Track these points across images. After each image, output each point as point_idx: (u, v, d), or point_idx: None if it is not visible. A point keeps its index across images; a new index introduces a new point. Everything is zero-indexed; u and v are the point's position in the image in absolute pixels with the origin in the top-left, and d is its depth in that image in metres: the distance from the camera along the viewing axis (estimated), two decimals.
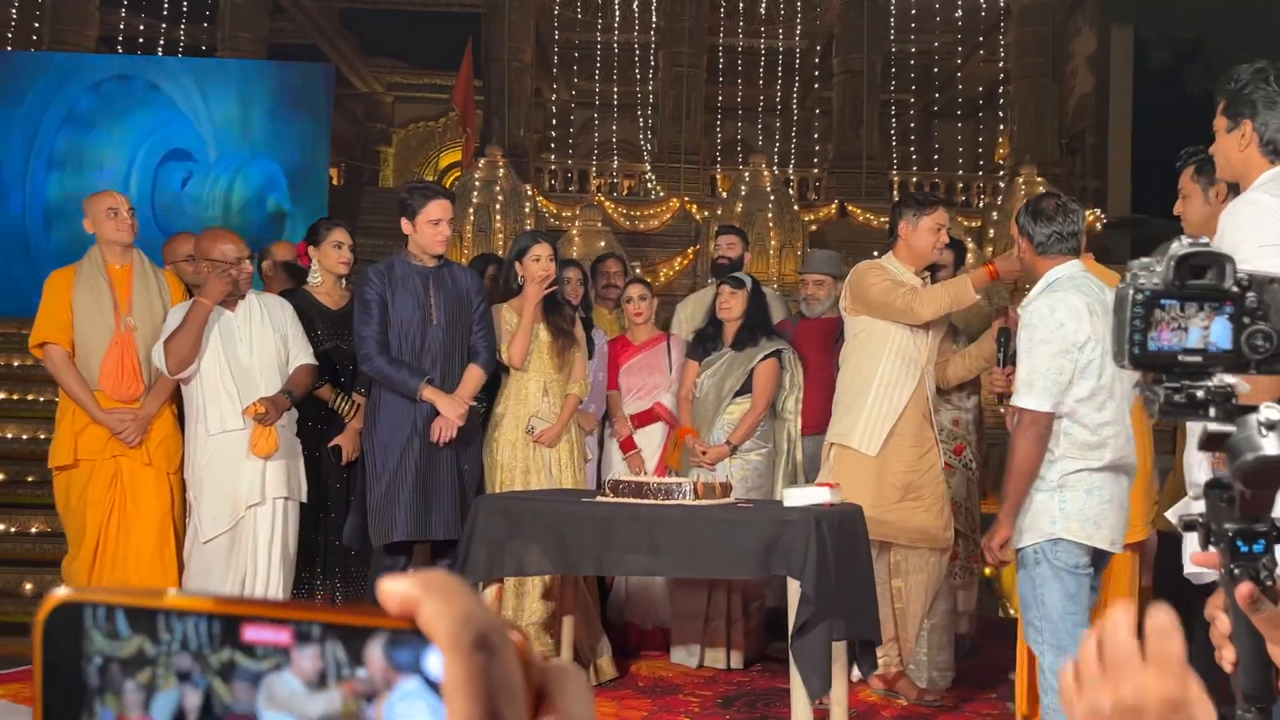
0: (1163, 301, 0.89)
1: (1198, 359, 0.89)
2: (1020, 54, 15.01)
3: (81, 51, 12.72)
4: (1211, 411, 0.88)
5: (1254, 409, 0.85)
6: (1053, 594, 2.74)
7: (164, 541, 3.89)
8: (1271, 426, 0.83)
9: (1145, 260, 0.91)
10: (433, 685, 0.31)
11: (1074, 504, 2.74)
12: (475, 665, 0.31)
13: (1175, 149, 3.30)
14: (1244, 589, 0.82)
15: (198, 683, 0.33)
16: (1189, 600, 3.09)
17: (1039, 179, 11.27)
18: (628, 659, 4.39)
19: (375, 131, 19.19)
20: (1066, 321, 2.72)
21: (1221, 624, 0.89)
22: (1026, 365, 2.71)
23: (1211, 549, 0.89)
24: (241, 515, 3.76)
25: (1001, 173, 14.80)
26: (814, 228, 13.27)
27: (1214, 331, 0.89)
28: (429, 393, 3.82)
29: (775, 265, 12.46)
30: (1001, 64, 15.77)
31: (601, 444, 4.88)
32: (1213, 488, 0.88)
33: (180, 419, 4.05)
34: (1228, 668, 0.89)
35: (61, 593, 0.35)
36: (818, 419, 4.57)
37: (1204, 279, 0.89)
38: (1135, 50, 14.12)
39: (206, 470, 3.76)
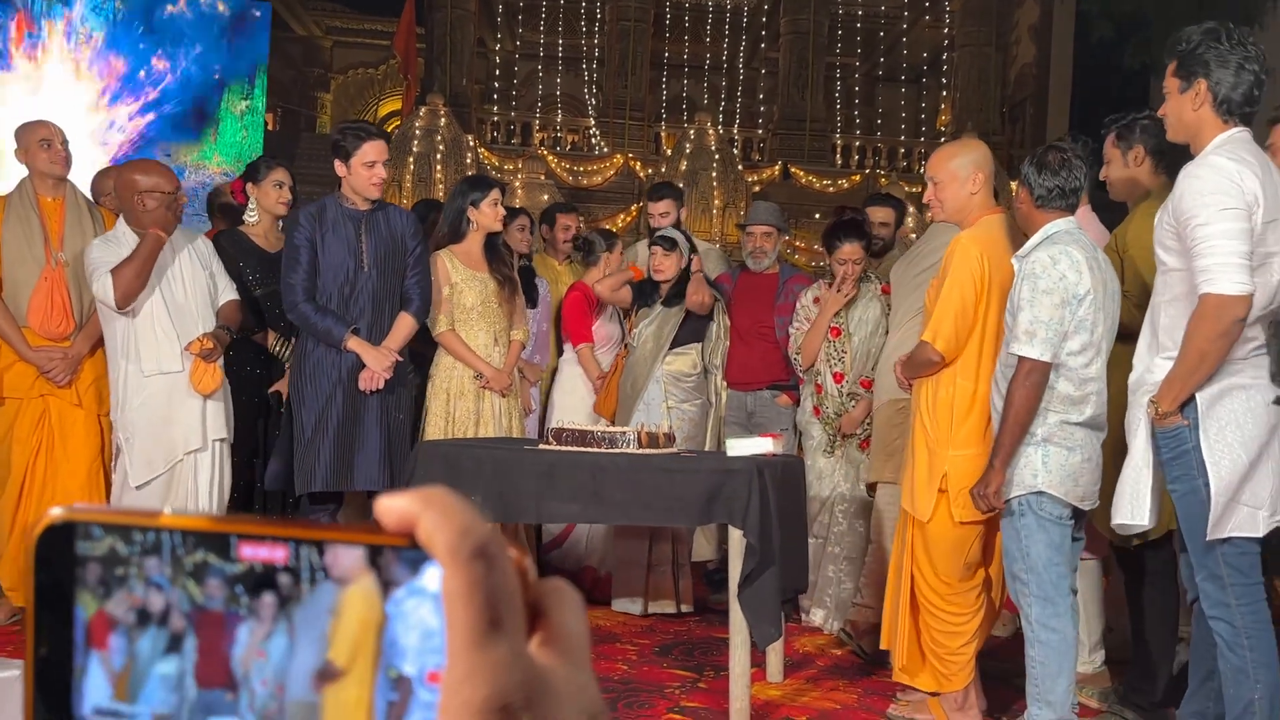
0: None
1: None
2: (965, 21, 15.13)
3: None
4: None
5: None
6: (1038, 545, 2.77)
7: (93, 484, 3.79)
8: None
9: None
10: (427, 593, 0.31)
11: (1056, 459, 2.75)
12: (474, 574, 0.31)
13: None
14: None
15: (167, 582, 0.33)
16: (1139, 556, 3.19)
17: (977, 141, 11.39)
18: None
19: (313, 77, 18.73)
20: (1068, 273, 2.71)
21: None
22: (1029, 314, 2.69)
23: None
24: (179, 459, 3.66)
25: (943, 139, 14.94)
26: (757, 188, 13.29)
27: None
28: (354, 343, 3.73)
29: (719, 224, 12.46)
30: (946, 31, 15.88)
31: (547, 395, 4.86)
32: None
33: None
34: None
35: (56, 512, 0.33)
36: (759, 375, 4.60)
37: None
38: (1076, 22, 14.31)
39: (140, 412, 3.62)
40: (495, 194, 4.15)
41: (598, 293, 4.61)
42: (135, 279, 3.54)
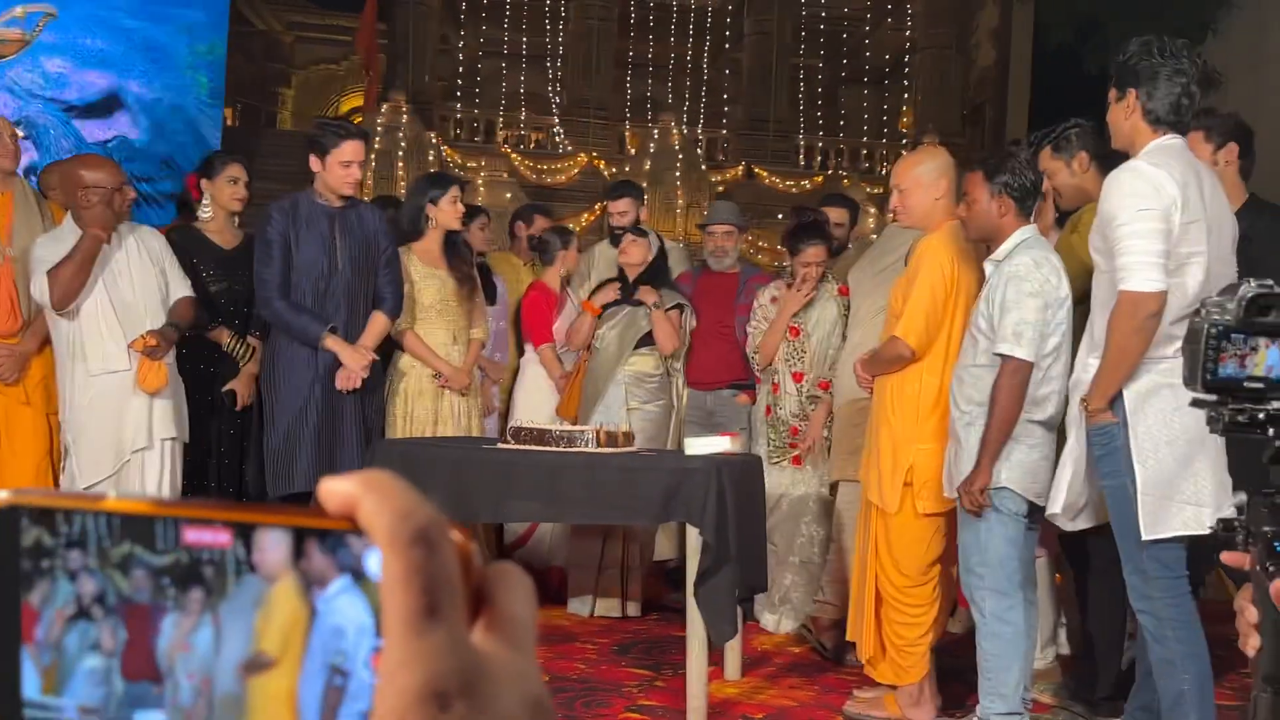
0: (1232, 335, 1.05)
1: (1259, 385, 1.04)
2: (927, 24, 15.26)
3: None
4: (1270, 431, 1.04)
5: None
6: (996, 540, 2.84)
7: (39, 483, 3.72)
8: None
9: (1216, 299, 1.07)
10: (361, 582, 0.31)
11: (1018, 456, 2.83)
12: (413, 560, 0.30)
13: None
14: (1278, 585, 0.94)
15: (93, 574, 0.33)
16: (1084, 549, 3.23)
17: (941, 148, 11.51)
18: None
19: (274, 72, 18.52)
20: (1050, 277, 2.82)
21: (1250, 615, 0.99)
22: (1015, 315, 2.77)
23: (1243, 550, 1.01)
24: (127, 459, 3.59)
25: (905, 140, 15.06)
26: (721, 188, 13.33)
27: (1271, 362, 1.05)
28: (332, 342, 3.70)
29: (682, 223, 12.48)
30: (908, 34, 16.00)
31: (510, 395, 4.84)
32: (1255, 494, 1.01)
33: None
34: (1250, 652, 1.00)
35: (2, 496, 0.33)
36: (718, 374, 4.61)
37: (1269, 317, 1.04)
38: (1035, 26, 14.47)
39: (88, 413, 3.55)
40: (455, 191, 4.13)
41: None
42: (72, 280, 3.47)
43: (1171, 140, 2.62)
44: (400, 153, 11.93)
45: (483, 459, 3.28)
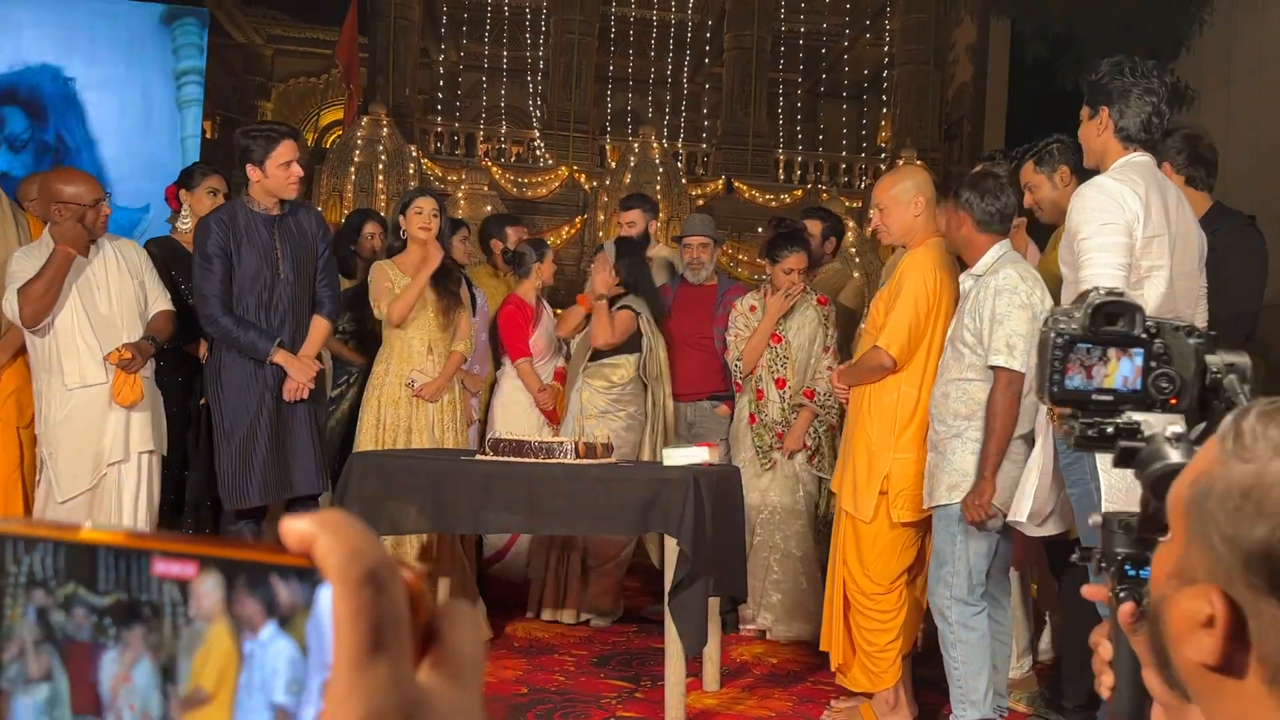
0: (1078, 345, 0.98)
1: (1108, 398, 0.98)
2: (905, 40, 15.38)
3: None
4: (1120, 445, 0.96)
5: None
6: (969, 550, 2.88)
7: (8, 497, 3.68)
8: (1177, 440, 0.90)
9: (1065, 307, 1.00)
10: (285, 627, 0.33)
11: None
12: (362, 599, 0.32)
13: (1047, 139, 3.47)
14: (1126, 608, 0.86)
15: (38, 612, 0.34)
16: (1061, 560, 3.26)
17: (919, 163, 11.60)
18: (507, 619, 4.39)
19: (253, 85, 18.48)
20: (1035, 289, 2.90)
21: (1104, 650, 0.92)
22: (1006, 328, 2.82)
23: (1100, 580, 0.95)
24: (104, 473, 3.57)
25: (883, 155, 15.17)
26: (701, 202, 13.38)
27: (1123, 373, 0.98)
28: (280, 356, 3.66)
29: (663, 236, 12.52)
30: (886, 49, 16.14)
31: (487, 406, 4.84)
32: (1108, 518, 0.95)
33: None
34: (1105, 693, 0.92)
35: None
36: (698, 386, 4.63)
37: (1117, 325, 0.98)
38: (1012, 42, 14.62)
39: (64, 426, 3.53)
40: (420, 201, 4.15)
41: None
42: (42, 296, 3.45)
43: (1140, 157, 2.69)
44: (380, 166, 11.91)
45: (461, 470, 3.29)
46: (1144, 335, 0.98)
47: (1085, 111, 2.76)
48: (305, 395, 3.72)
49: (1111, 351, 0.98)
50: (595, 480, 3.18)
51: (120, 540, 0.34)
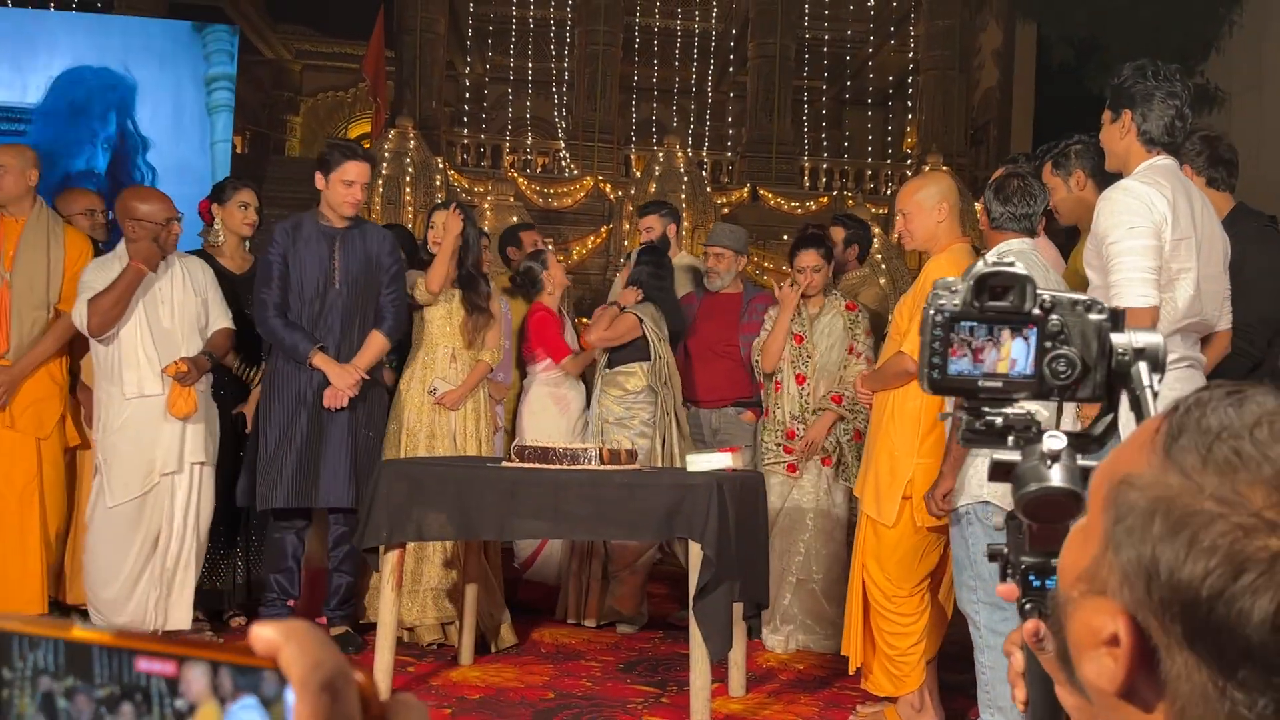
0: (962, 324, 0.84)
1: (998, 384, 0.84)
2: (929, 46, 15.35)
3: None
4: (1010, 440, 0.84)
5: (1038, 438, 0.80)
6: (982, 553, 2.84)
7: (24, 509, 3.75)
8: (1055, 457, 0.78)
9: (949, 279, 0.87)
10: (266, 705, 0.38)
11: None
12: (320, 705, 0.37)
13: None
14: (1029, 625, 0.73)
15: (44, 698, 0.39)
16: None
17: (945, 168, 11.56)
18: (532, 625, 4.42)
19: (282, 100, 18.71)
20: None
21: (1016, 661, 0.80)
22: None
23: (1011, 581, 0.83)
24: (156, 482, 3.66)
25: (909, 161, 15.12)
26: (726, 210, 13.39)
27: (1014, 356, 0.84)
28: (319, 360, 3.76)
29: (688, 245, 12.54)
30: (911, 55, 16.10)
31: (514, 414, 4.88)
32: (1012, 519, 0.84)
33: (73, 382, 3.93)
34: (1019, 706, 0.80)
35: None
36: (722, 392, 4.65)
37: (1005, 300, 0.84)
38: (1038, 46, 14.54)
39: (120, 434, 3.64)
40: (438, 215, 4.24)
41: (593, 342, 4.54)
42: (111, 309, 3.59)
43: (1163, 160, 2.69)
44: (407, 178, 12.02)
45: (487, 477, 3.32)
46: (1038, 311, 0.83)
47: (1108, 115, 2.77)
48: (343, 404, 3.78)
49: (1004, 332, 0.84)
50: (619, 486, 3.20)
51: (108, 640, 0.38)
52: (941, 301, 0.85)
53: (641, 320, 4.45)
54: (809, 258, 4.23)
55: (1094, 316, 0.84)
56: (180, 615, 3.73)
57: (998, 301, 0.84)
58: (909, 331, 3.13)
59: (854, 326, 4.26)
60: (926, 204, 3.22)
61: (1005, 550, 0.84)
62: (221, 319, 3.88)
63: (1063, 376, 0.83)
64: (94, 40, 11.70)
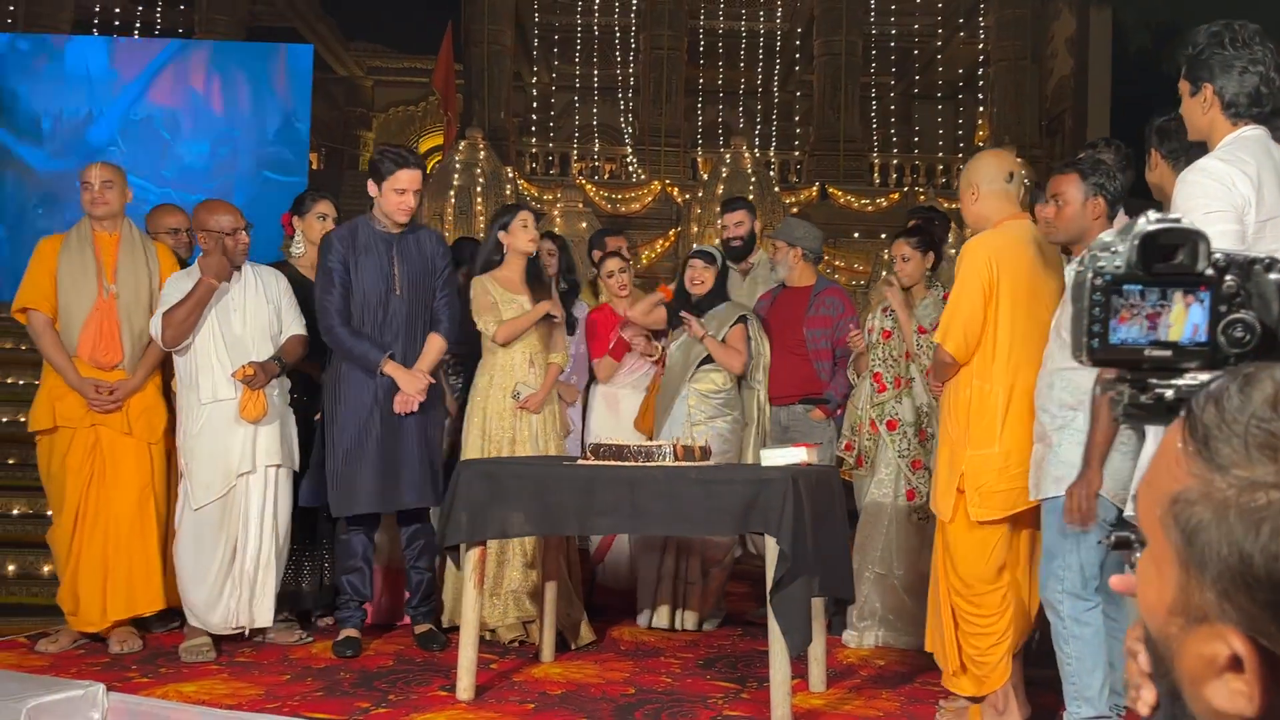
0: (1125, 287, 0.77)
1: (1167, 353, 0.77)
2: (1000, 36, 15.09)
3: (55, 33, 12.69)
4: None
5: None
6: (1084, 545, 2.77)
7: (143, 510, 3.91)
8: None
9: (1106, 239, 0.79)
10: None
11: (1113, 463, 2.73)
12: None
13: None
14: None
15: None
16: None
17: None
18: (609, 625, 4.45)
19: (355, 115, 19.12)
20: None
21: (1144, 660, 0.70)
22: None
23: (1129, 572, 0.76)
24: (234, 484, 3.79)
25: None
26: (795, 210, 13.31)
27: (1186, 322, 0.77)
28: (390, 368, 3.82)
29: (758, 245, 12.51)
30: (981, 46, 15.85)
31: (585, 416, 4.92)
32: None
33: (168, 389, 4.08)
34: (1144, 710, 0.71)
35: None
36: (790, 388, 4.62)
37: (1175, 260, 0.77)
38: (1113, 32, 14.21)
39: (198, 439, 3.79)
40: (523, 216, 4.23)
41: (631, 318, 4.66)
42: (182, 322, 3.74)
43: (1251, 131, 2.50)
44: (478, 188, 12.19)
45: (565, 475, 3.36)
46: (1211, 271, 0.76)
47: (1185, 87, 2.56)
48: (415, 408, 3.85)
49: (1175, 295, 0.76)
50: (694, 481, 3.21)
51: None
52: (1101, 263, 0.77)
53: (745, 320, 4.49)
54: (897, 247, 4.22)
55: (1274, 276, 0.76)
56: (264, 615, 3.84)
57: (1167, 261, 0.77)
58: (940, 321, 3.11)
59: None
60: (964, 187, 3.22)
61: (1133, 538, 0.77)
62: (295, 325, 3.99)
63: (1240, 344, 0.76)
64: (177, 64, 12.10)
